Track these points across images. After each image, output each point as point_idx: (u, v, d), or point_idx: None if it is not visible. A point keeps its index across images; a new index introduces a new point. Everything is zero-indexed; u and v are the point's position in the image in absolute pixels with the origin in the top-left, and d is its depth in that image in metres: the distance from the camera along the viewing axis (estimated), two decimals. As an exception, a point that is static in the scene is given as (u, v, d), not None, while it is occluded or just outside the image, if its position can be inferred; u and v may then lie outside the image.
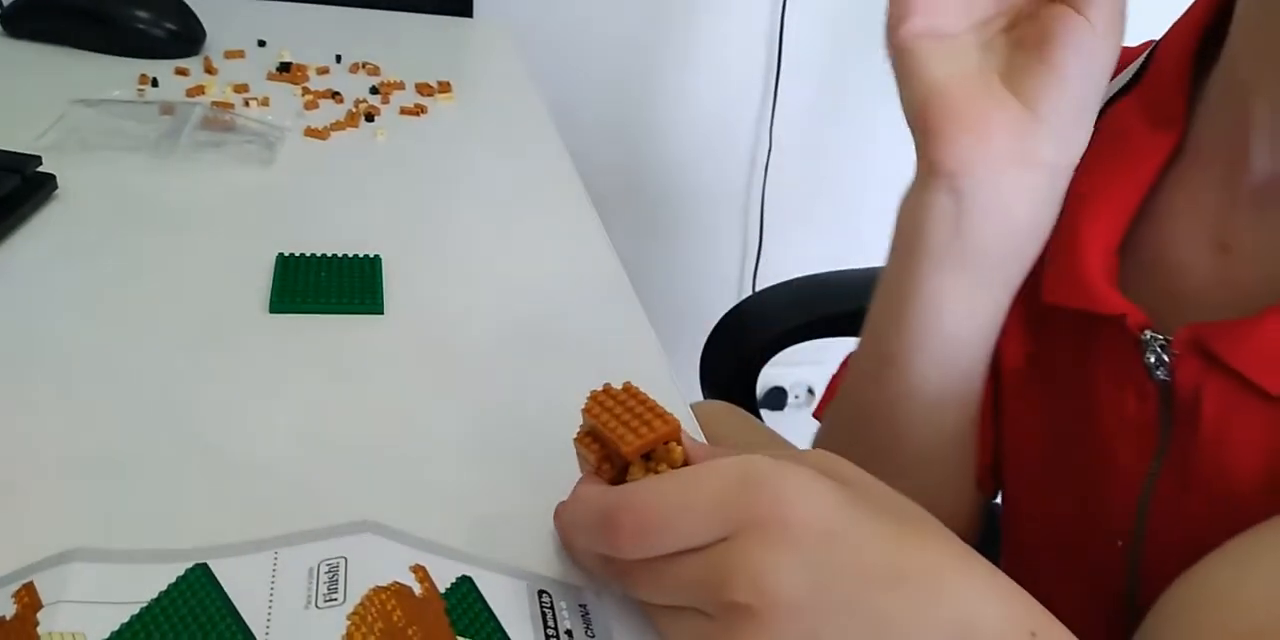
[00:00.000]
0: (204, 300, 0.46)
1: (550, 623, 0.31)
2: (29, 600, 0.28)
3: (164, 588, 0.29)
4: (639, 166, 1.52)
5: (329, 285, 0.48)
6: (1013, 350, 0.50)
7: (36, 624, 0.27)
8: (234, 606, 0.28)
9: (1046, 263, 0.46)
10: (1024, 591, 0.30)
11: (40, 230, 0.50)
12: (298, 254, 0.50)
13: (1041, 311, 0.48)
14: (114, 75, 0.71)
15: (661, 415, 0.32)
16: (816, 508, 0.28)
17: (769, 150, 1.54)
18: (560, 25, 1.23)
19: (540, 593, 0.32)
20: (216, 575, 0.29)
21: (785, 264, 1.47)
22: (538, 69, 0.89)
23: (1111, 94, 0.47)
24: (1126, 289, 0.45)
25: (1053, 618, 0.30)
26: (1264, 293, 0.41)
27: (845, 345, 0.59)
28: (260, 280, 0.48)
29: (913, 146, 0.45)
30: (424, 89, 0.76)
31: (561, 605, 0.32)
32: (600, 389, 0.33)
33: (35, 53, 0.74)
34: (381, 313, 0.47)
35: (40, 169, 0.53)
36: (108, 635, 0.27)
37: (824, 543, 0.28)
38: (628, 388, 0.33)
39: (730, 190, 1.57)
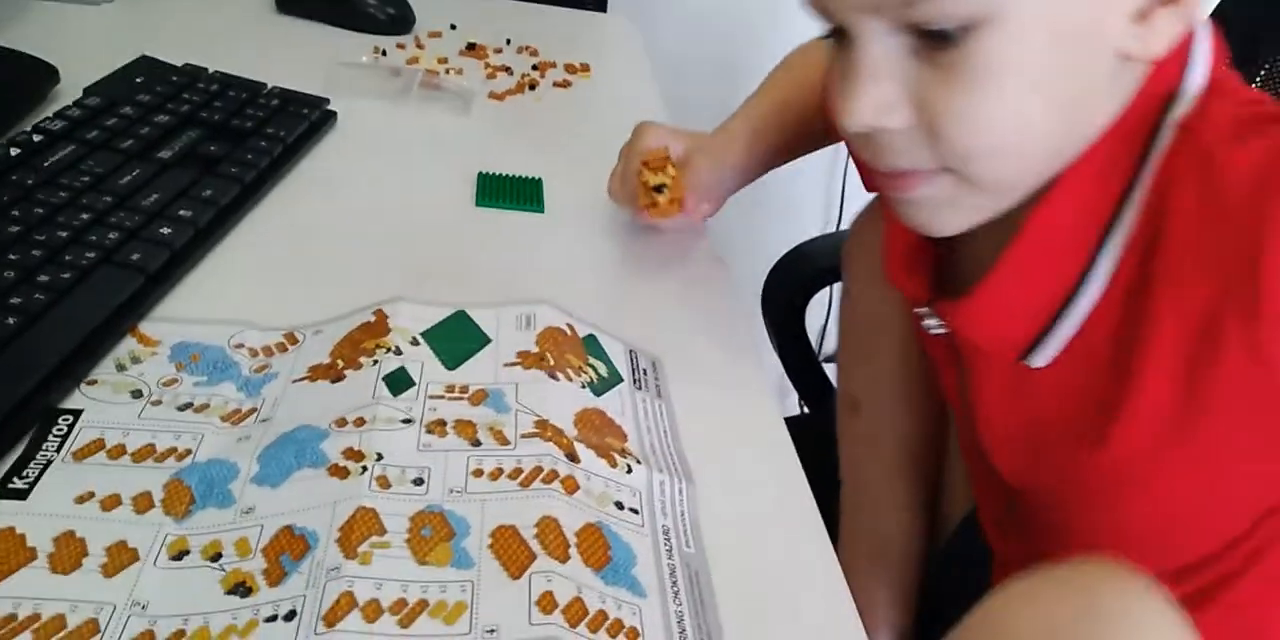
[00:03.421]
0: (435, 194, 0.75)
1: (634, 364, 0.59)
2: (380, 315, 0.56)
3: (445, 316, 0.57)
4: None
5: (511, 192, 0.76)
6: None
7: (388, 325, 0.55)
8: (479, 327, 0.56)
9: None
10: None
11: (330, 145, 0.79)
12: (491, 173, 0.78)
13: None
14: (355, 45, 1.00)
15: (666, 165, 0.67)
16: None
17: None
18: (675, 17, 1.50)
19: (630, 351, 0.60)
20: (472, 316, 0.57)
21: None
22: (653, 51, 1.16)
23: None
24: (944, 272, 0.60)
25: None
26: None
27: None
28: (468, 187, 0.76)
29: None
30: (570, 68, 1.03)
31: (641, 358, 0.59)
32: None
33: (299, 26, 1.03)
34: (542, 212, 0.75)
35: (328, 107, 0.82)
36: (423, 330, 0.55)
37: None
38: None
39: (815, 168, 1.81)
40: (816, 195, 1.82)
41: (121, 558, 0.42)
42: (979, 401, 0.61)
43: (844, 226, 1.80)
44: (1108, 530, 0.59)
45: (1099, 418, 0.52)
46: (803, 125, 0.80)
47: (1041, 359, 0.53)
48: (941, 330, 0.58)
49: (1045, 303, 0.52)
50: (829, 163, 1.78)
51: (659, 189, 0.65)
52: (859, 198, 1.80)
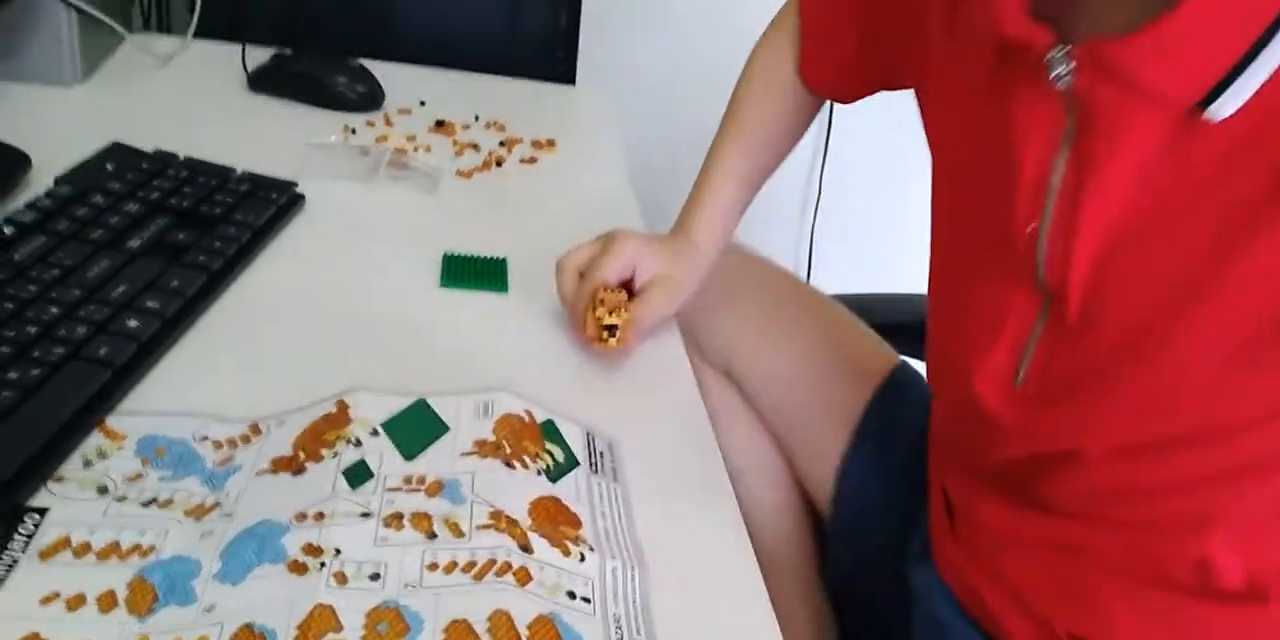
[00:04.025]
0: (400, 276, 0.77)
1: (592, 446, 0.60)
2: (342, 405, 0.58)
3: (405, 406, 0.58)
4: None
5: (475, 272, 0.78)
6: (935, 80, 0.65)
7: (348, 416, 0.57)
8: (438, 415, 0.58)
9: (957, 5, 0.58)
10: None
11: (297, 229, 0.81)
12: (456, 253, 0.80)
13: (957, 48, 0.61)
14: (326, 123, 1.03)
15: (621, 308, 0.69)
16: None
17: (818, 195, 1.81)
18: (641, 89, 1.54)
19: (588, 433, 0.61)
20: (431, 405, 0.59)
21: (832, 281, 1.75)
22: (621, 120, 1.19)
23: None
24: (1041, 14, 0.53)
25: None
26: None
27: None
28: (433, 267, 0.78)
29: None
30: (536, 144, 1.06)
31: (599, 441, 0.61)
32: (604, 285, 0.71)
33: (271, 104, 1.06)
34: (506, 292, 0.77)
35: (296, 190, 0.84)
36: (383, 421, 0.57)
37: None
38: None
39: (783, 231, 1.84)
40: (786, 252, 1.85)
41: (84, 659, 0.43)
42: (1093, 187, 0.52)
43: (815, 280, 1.83)
44: (1159, 372, 0.53)
45: (1259, 214, 0.46)
46: (776, 156, 0.85)
47: (1230, 105, 0.46)
48: (1064, 86, 0.51)
49: (1239, 38, 0.45)
50: (796, 224, 1.81)
51: (609, 328, 0.68)
52: (827, 254, 1.84)
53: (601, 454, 0.60)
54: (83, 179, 0.77)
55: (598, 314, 0.68)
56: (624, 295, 0.71)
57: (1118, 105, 0.50)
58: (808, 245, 1.81)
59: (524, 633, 0.45)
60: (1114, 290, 0.53)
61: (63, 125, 0.93)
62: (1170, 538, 0.59)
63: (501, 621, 0.45)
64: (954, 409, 0.70)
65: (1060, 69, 0.51)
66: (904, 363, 0.88)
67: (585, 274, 0.72)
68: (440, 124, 1.07)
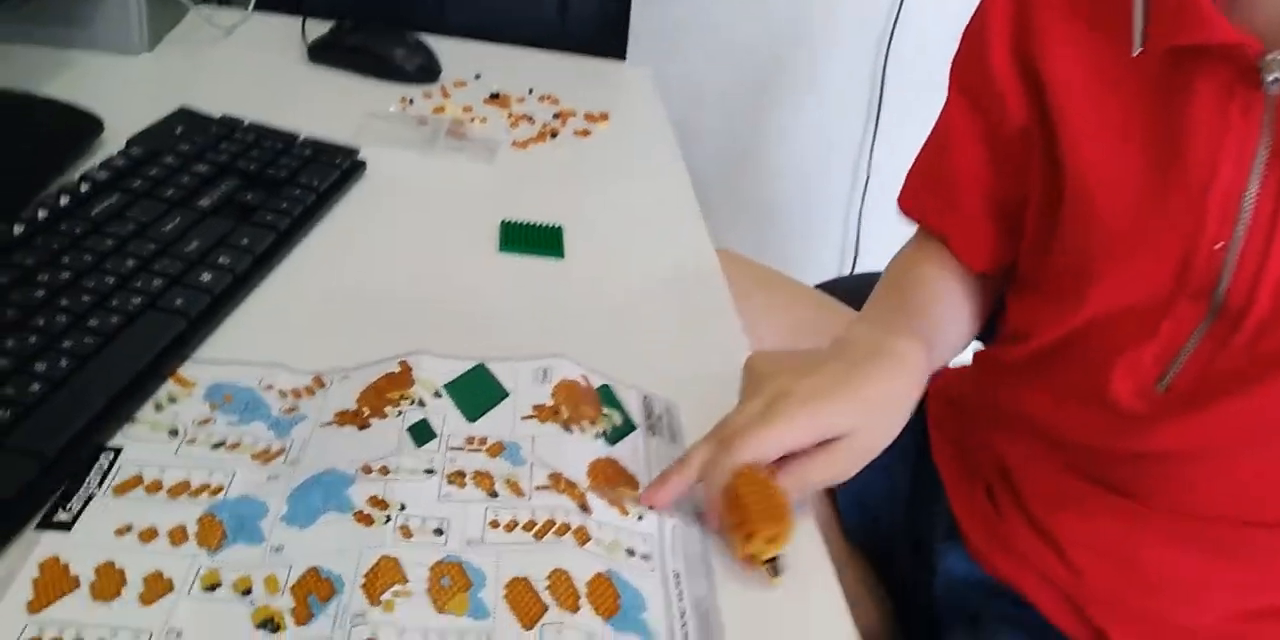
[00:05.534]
0: (459, 242, 0.78)
1: (650, 409, 0.61)
2: (405, 366, 0.59)
3: (465, 369, 0.60)
4: (750, 178, 1.80)
5: (532, 239, 0.79)
6: (1088, 93, 0.60)
7: (411, 376, 0.58)
8: (498, 380, 0.59)
9: (1150, 16, 0.55)
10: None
11: (359, 194, 0.83)
12: (513, 221, 0.82)
13: (1130, 62, 0.57)
14: (383, 94, 1.04)
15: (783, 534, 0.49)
16: None
17: (869, 165, 1.80)
18: (690, 67, 1.55)
19: (645, 397, 0.62)
20: (490, 369, 0.60)
21: (881, 265, 1.75)
22: (671, 98, 1.20)
23: None
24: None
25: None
26: None
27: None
28: (492, 233, 0.80)
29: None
30: (589, 117, 1.07)
31: (657, 404, 0.62)
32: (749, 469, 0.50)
33: (330, 75, 1.07)
34: (562, 257, 0.78)
35: (358, 157, 0.86)
36: (444, 382, 0.58)
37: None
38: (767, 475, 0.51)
39: (833, 199, 1.83)
40: (834, 234, 1.85)
41: (158, 587, 0.44)
42: None
43: (861, 266, 1.82)
44: None
45: None
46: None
47: None
48: (1275, 90, 0.51)
49: None
50: (844, 203, 1.81)
51: (769, 561, 0.50)
52: (876, 235, 1.84)
53: (660, 417, 0.61)
54: (153, 141, 0.78)
55: (751, 548, 0.49)
56: (773, 484, 0.50)
57: None
58: (855, 226, 1.81)
59: (582, 590, 0.46)
60: None
61: (131, 91, 0.95)
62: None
63: (560, 580, 0.46)
64: (1065, 398, 0.65)
65: (1274, 74, 0.50)
66: None
67: (723, 442, 0.52)
68: (495, 96, 1.08)
